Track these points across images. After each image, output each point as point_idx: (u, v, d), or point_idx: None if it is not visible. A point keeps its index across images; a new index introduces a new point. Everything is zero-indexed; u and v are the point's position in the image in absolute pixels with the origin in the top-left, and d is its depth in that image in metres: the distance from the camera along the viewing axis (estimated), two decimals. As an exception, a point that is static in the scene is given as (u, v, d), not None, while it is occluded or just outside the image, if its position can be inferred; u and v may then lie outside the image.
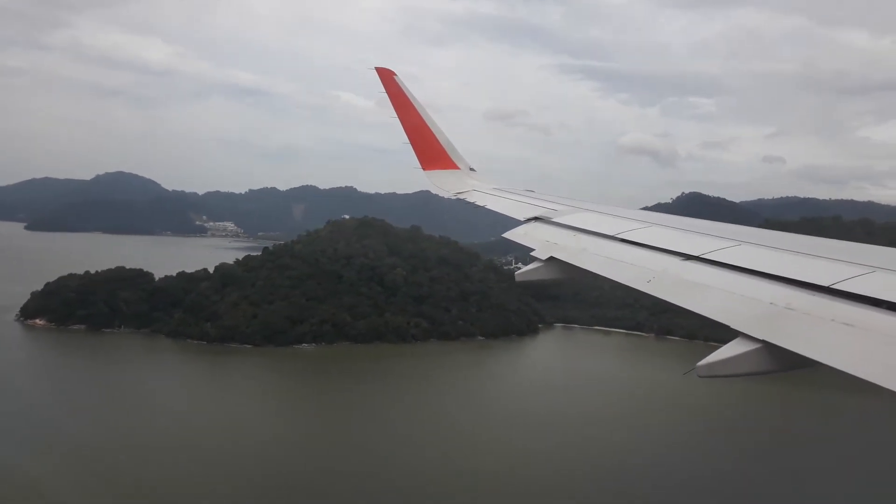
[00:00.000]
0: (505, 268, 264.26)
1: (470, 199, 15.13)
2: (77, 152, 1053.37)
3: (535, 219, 11.59)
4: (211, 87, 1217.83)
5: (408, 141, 17.38)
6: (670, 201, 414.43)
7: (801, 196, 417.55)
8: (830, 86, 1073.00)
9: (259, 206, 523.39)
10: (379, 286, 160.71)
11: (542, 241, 10.16)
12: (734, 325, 5.62)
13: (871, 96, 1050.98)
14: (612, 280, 7.94)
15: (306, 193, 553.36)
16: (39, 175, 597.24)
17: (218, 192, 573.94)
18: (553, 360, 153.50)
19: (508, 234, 11.46)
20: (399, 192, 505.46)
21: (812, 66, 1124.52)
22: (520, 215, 12.21)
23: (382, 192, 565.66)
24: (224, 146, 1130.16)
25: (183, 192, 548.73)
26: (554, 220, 11.17)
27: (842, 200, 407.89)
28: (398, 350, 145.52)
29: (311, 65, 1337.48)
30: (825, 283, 5.70)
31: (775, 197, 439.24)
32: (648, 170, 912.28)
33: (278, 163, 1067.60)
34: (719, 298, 6.33)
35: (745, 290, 6.28)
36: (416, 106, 17.48)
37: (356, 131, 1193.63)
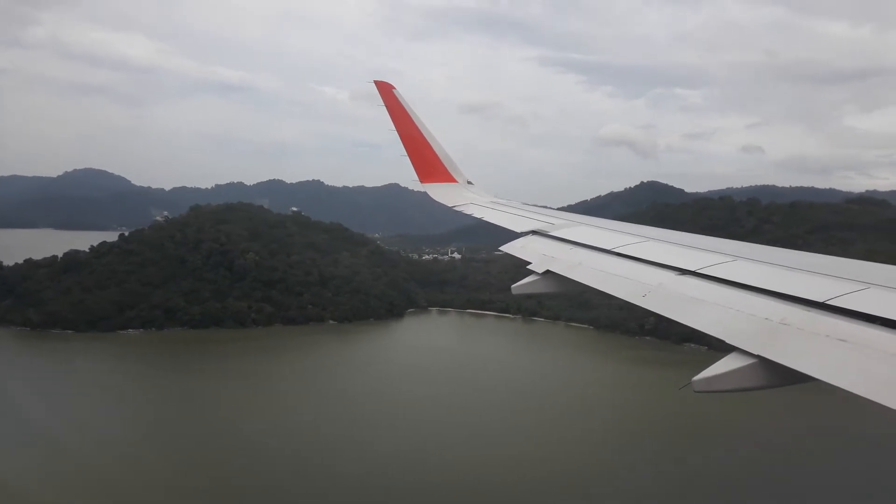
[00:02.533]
0: (443, 258, 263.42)
1: (467, 211, 15.21)
2: (59, 151, 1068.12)
3: (533, 232, 11.63)
4: (196, 85, 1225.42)
5: (405, 154, 17.20)
6: (623, 190, 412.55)
7: (768, 184, 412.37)
8: (812, 75, 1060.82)
9: (225, 201, 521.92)
10: (227, 271, 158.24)
11: (538, 255, 10.15)
12: (730, 340, 5.57)
13: (852, 85, 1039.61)
14: (608, 294, 7.94)
15: (272, 188, 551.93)
16: (12, 173, 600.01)
17: (185, 187, 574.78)
18: (394, 343, 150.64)
19: (505, 248, 11.48)
20: (370, 185, 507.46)
21: (792, 55, 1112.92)
22: (517, 228, 12.29)
23: (350, 186, 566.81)
24: (209, 143, 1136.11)
25: (149, 188, 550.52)
26: (551, 233, 11.22)
27: (801, 187, 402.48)
28: (231, 335, 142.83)
29: (295, 60, 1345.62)
30: (820, 299, 5.70)
31: (744, 186, 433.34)
32: (633, 162, 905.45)
33: (263, 159, 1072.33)
34: (715, 313, 6.30)
35: (741, 305, 6.23)
36: (414, 119, 17.30)
37: (340, 126, 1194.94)
